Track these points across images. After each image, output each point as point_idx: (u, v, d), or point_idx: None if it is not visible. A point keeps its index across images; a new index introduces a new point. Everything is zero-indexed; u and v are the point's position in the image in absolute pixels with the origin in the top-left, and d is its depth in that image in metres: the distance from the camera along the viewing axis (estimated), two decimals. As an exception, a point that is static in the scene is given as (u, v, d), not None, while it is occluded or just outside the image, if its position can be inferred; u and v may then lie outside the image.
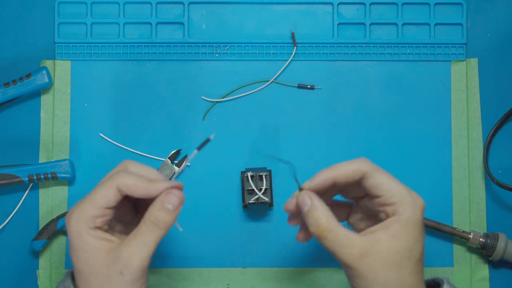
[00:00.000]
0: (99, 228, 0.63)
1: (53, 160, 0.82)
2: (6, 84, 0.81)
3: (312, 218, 0.63)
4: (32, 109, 0.84)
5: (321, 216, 0.63)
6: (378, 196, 0.63)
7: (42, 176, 0.80)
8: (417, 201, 0.63)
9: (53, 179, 0.81)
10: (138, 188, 0.63)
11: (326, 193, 0.68)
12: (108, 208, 0.63)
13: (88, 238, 0.62)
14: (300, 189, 0.66)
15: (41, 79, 0.82)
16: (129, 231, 0.67)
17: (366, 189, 0.65)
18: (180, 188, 0.65)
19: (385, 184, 0.63)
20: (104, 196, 0.63)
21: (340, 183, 0.65)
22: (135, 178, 0.63)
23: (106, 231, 0.64)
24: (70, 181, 0.82)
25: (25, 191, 0.82)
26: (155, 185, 0.63)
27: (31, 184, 0.82)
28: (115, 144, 0.83)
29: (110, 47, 0.84)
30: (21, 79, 0.81)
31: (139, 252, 0.62)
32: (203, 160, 0.83)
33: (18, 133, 0.83)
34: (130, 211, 0.69)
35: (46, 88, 0.83)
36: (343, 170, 0.64)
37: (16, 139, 0.83)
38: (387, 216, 0.63)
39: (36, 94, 0.83)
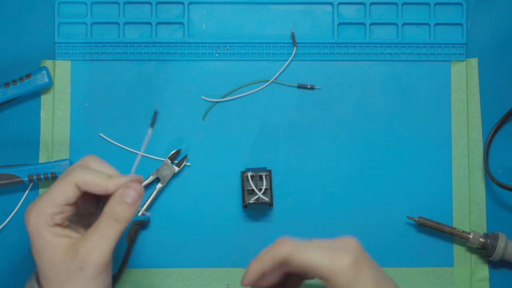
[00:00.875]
0: (58, 224, 0.61)
1: (53, 160, 0.82)
2: (6, 84, 0.81)
3: None
4: (32, 109, 0.84)
5: None
6: (307, 273, 0.61)
7: (42, 176, 0.80)
8: (344, 261, 0.59)
9: (53, 179, 0.81)
10: (96, 185, 0.61)
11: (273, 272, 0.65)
12: (67, 204, 0.61)
13: (47, 235, 0.60)
14: None
15: (41, 79, 0.82)
16: (92, 223, 0.65)
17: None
18: (140, 182, 0.63)
19: (306, 262, 0.60)
20: (63, 193, 0.61)
21: (271, 271, 0.63)
22: (93, 174, 0.61)
23: (68, 226, 0.63)
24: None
25: (25, 191, 0.82)
26: (113, 181, 0.61)
27: (31, 184, 0.82)
28: (115, 144, 0.83)
29: (110, 47, 0.84)
30: (21, 79, 0.81)
31: (99, 247, 0.60)
32: (203, 160, 0.83)
33: (18, 133, 0.83)
34: (91, 202, 0.66)
35: (46, 88, 0.83)
36: (267, 261, 0.62)
37: (16, 139, 0.83)
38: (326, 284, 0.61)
39: (36, 94, 0.83)
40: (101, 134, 0.83)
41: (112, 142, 0.83)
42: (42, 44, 0.84)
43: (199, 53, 0.84)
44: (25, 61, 0.84)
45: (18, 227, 0.82)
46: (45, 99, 0.84)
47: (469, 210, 0.83)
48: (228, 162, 0.83)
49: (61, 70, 0.84)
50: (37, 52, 0.84)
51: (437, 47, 0.85)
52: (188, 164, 0.83)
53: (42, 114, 0.83)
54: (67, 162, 0.81)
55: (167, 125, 0.83)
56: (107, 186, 0.61)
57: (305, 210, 0.83)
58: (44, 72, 0.82)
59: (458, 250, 0.83)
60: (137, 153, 0.83)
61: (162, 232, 0.82)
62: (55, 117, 0.83)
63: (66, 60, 0.84)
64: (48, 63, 0.84)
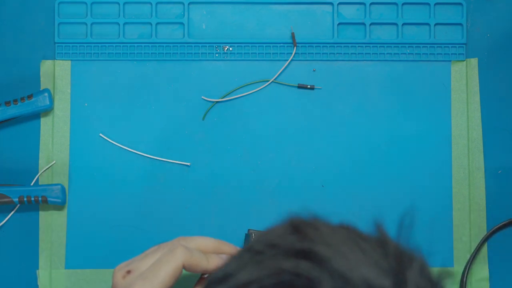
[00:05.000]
0: None
1: (53, 161, 0.82)
2: (7, 103, 0.81)
3: None
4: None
5: None
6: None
7: (32, 199, 0.79)
8: None
9: (44, 203, 0.80)
10: (199, 267, 0.65)
11: None
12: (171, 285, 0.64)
13: None
14: None
15: (42, 101, 0.81)
16: None
17: None
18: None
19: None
20: (173, 276, 0.63)
21: None
22: (198, 257, 0.65)
23: None
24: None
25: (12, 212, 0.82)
26: (212, 263, 0.66)
27: (17, 206, 0.81)
28: (115, 144, 0.83)
29: (110, 47, 0.84)
30: (22, 99, 0.80)
31: None
32: (203, 160, 0.83)
33: (18, 133, 0.83)
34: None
35: (47, 111, 0.82)
36: None
37: (17, 139, 0.83)
38: None
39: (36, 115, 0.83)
40: (101, 134, 0.83)
41: (112, 142, 0.83)
42: (42, 44, 0.84)
43: (199, 53, 0.84)
44: (25, 61, 0.84)
45: (18, 227, 0.82)
46: (45, 99, 0.84)
47: (469, 210, 0.83)
48: (228, 162, 0.83)
49: (61, 70, 0.84)
50: (37, 52, 0.84)
51: (437, 47, 0.85)
52: (188, 164, 0.83)
53: (42, 114, 0.83)
54: (59, 187, 0.80)
55: (167, 125, 0.83)
56: (208, 267, 0.66)
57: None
58: (46, 94, 0.81)
59: (458, 250, 0.83)
60: (137, 153, 0.83)
61: (162, 232, 0.82)
62: (55, 117, 0.83)
63: (66, 60, 0.84)
64: (48, 63, 0.84)
